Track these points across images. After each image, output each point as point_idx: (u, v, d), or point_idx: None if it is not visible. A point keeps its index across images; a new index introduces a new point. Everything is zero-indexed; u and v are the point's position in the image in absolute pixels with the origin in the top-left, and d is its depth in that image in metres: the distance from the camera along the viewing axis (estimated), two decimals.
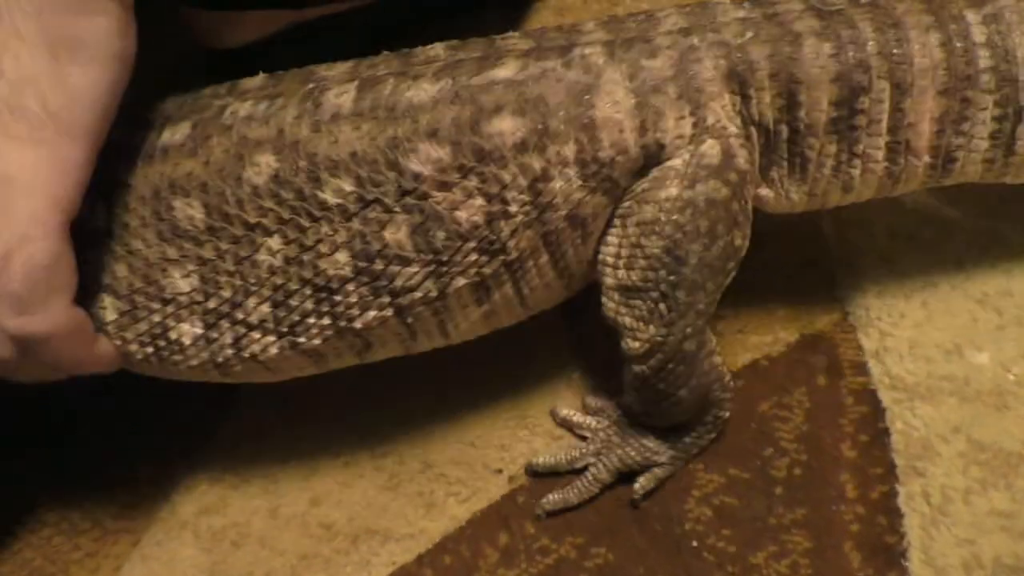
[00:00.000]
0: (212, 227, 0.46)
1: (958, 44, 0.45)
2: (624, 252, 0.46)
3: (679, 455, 0.50)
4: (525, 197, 0.44)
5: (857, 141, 0.46)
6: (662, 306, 0.45)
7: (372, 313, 0.46)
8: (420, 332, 0.48)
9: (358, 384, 0.55)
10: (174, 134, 0.47)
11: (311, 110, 0.45)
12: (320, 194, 0.45)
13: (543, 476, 0.52)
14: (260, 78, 0.49)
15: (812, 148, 0.46)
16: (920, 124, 0.45)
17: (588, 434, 0.52)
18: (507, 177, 0.44)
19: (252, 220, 0.45)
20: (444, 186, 0.44)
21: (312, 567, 0.52)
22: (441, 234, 0.45)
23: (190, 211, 0.46)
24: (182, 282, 0.47)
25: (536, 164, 0.44)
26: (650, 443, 0.50)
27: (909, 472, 0.48)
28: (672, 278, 0.44)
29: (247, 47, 0.69)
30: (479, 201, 0.44)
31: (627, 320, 0.46)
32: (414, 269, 0.45)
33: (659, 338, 0.45)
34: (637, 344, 0.46)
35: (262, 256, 0.46)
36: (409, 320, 0.47)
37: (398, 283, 0.45)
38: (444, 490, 0.53)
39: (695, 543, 0.48)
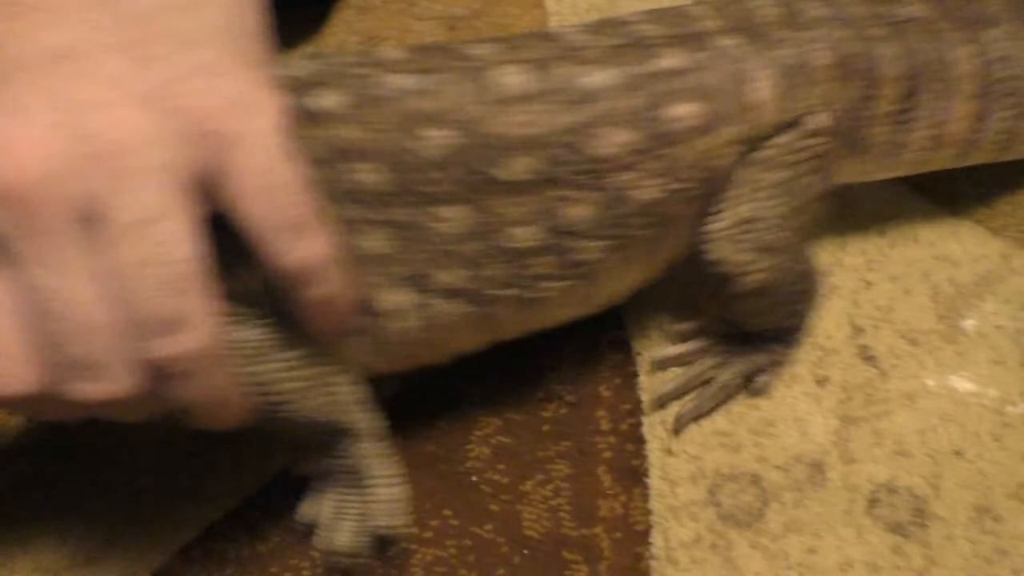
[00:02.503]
0: (391, 192, 0.45)
1: (987, 55, 0.53)
2: (743, 191, 0.50)
3: (791, 348, 0.56)
4: (696, 173, 0.49)
5: (908, 131, 0.53)
6: (770, 236, 0.50)
7: (556, 284, 0.49)
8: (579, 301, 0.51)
9: None
10: (320, 100, 0.45)
11: (480, 89, 0.46)
12: (500, 171, 0.46)
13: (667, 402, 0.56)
14: (397, 50, 0.48)
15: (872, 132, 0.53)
16: (954, 122, 0.54)
17: (698, 354, 0.57)
18: (683, 159, 0.48)
19: (431, 190, 0.46)
20: (626, 168, 0.47)
21: None
22: (623, 210, 0.48)
23: (364, 176, 0.45)
24: (373, 244, 0.46)
25: (707, 145, 0.48)
26: (770, 344, 0.55)
27: (652, 405, 0.57)
28: (794, 202, 0.50)
29: None
30: (658, 180, 0.48)
31: (740, 258, 0.50)
32: (597, 243, 0.48)
33: (772, 265, 0.50)
34: (750, 278, 0.51)
35: (446, 225, 0.46)
36: (581, 286, 0.50)
37: (582, 256, 0.49)
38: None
39: (475, 478, 0.55)
